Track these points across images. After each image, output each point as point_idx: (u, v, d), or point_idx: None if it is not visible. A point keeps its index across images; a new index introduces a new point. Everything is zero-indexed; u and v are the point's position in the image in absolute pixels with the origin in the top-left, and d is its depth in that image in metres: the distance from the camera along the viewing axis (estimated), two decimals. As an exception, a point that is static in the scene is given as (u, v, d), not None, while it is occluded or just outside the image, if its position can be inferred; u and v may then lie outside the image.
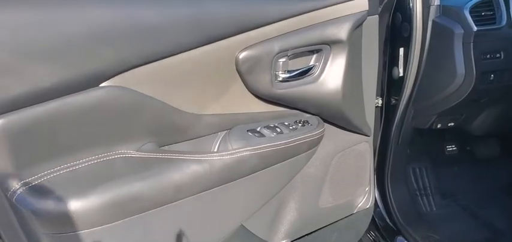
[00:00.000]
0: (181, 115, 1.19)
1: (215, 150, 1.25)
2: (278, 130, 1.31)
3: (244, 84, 1.28)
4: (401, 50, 1.67)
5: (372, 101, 1.62)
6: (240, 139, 1.24)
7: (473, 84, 1.67)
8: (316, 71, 1.39)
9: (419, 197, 2.08)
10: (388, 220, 1.88)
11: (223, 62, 1.21)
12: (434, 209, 2.05)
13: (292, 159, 1.35)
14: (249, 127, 1.31)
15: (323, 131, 1.41)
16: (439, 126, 1.92)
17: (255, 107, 1.33)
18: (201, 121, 1.24)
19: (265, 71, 1.28)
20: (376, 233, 1.86)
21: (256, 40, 1.24)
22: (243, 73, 1.25)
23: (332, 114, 1.46)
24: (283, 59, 1.32)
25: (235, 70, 1.24)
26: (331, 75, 1.38)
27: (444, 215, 2.03)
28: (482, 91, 1.71)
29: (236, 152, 1.22)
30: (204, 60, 1.18)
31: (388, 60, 1.71)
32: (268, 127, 1.32)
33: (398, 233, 1.85)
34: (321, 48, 1.36)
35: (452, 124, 1.95)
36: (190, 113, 1.21)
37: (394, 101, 1.77)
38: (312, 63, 1.39)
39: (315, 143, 1.38)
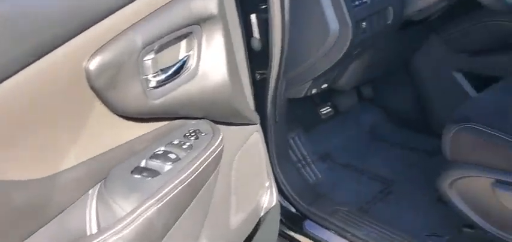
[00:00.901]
0: (17, 191, 0.65)
1: (92, 227, 0.74)
2: (171, 156, 0.86)
3: (107, 106, 0.80)
4: (253, 16, 1.32)
5: (246, 82, 1.26)
6: (127, 192, 0.76)
7: (350, 37, 1.40)
8: (192, 62, 0.99)
9: (303, 169, 1.80)
10: (290, 208, 1.55)
11: (65, 82, 0.72)
12: (319, 176, 1.80)
13: (204, 188, 0.91)
14: (130, 165, 0.82)
15: (222, 136, 0.99)
16: (313, 91, 1.65)
17: (129, 133, 0.86)
18: (55, 186, 0.72)
19: (132, 79, 0.82)
20: (282, 226, 1.52)
21: (108, 36, 0.77)
22: (102, 90, 0.78)
23: (221, 110, 1.07)
24: (151, 56, 0.87)
25: (89, 89, 0.75)
26: (210, 62, 1.01)
27: (333, 179, 1.79)
28: (357, 43, 1.47)
29: (132, 218, 0.73)
30: (33, 88, 0.67)
31: (244, 30, 1.35)
32: (155, 156, 0.86)
33: (304, 218, 1.54)
34: (190, 30, 0.95)
35: (326, 85, 1.69)
36: (33, 180, 0.68)
37: (259, 76, 1.42)
38: (183, 53, 0.97)
39: (220, 155, 0.96)
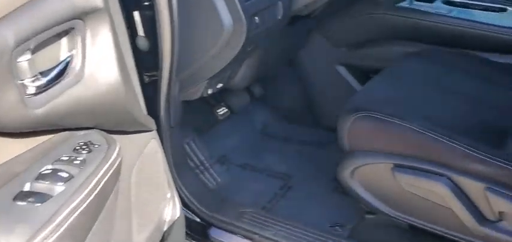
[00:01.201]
0: None
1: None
2: (62, 175, 0.70)
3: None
4: (136, 14, 1.20)
5: (137, 85, 1.13)
6: (12, 224, 0.58)
7: (245, 33, 1.33)
8: (77, 63, 0.84)
9: (202, 175, 1.70)
10: (194, 218, 1.44)
11: None
12: (219, 180, 1.71)
13: (105, 207, 0.75)
14: (11, 191, 0.64)
15: (118, 146, 0.85)
16: (209, 91, 1.55)
17: (6, 151, 0.68)
18: None
19: (5, 85, 0.65)
20: (187, 237, 1.40)
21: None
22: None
23: (113, 117, 0.93)
24: (27, 56, 0.71)
25: None
26: (98, 62, 0.88)
27: (234, 181, 1.71)
28: (251, 39, 1.40)
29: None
30: None
31: (129, 28, 1.21)
32: (42, 177, 0.69)
33: (209, 226, 1.43)
34: (72, 26, 0.80)
35: (221, 85, 1.60)
36: None
37: (148, 78, 1.29)
38: (66, 53, 0.81)
39: (118, 168, 0.82)
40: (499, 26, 1.56)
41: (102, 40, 0.87)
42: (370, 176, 1.30)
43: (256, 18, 1.40)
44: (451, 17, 1.65)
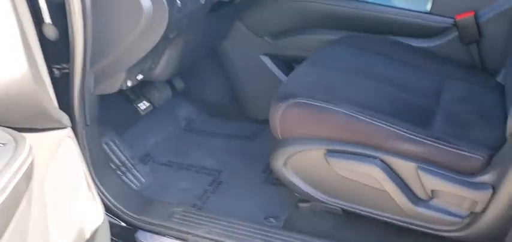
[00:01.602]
0: None
1: None
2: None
3: None
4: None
5: (46, 77, 1.00)
6: None
7: (167, 16, 1.22)
8: None
9: (125, 176, 1.57)
10: (118, 222, 1.31)
11: None
12: (144, 180, 1.59)
13: (16, 216, 0.62)
14: None
15: (29, 144, 0.72)
16: (128, 84, 1.42)
17: None
18: None
19: None
20: (112, 244, 1.27)
21: None
22: None
23: (22, 110, 0.79)
24: None
25: None
26: (0, 51, 0.71)
27: (160, 181, 1.60)
28: (174, 24, 1.30)
29: None
30: None
31: (34, 15, 1.07)
32: None
33: (135, 230, 1.32)
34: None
35: (141, 76, 1.48)
36: None
37: (58, 72, 1.16)
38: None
39: (30, 170, 0.69)
40: (415, 11, 1.59)
41: (5, 27, 0.74)
42: (304, 163, 1.27)
43: (178, 1, 1.30)
44: (369, 3, 1.66)
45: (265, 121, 1.75)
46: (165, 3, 1.23)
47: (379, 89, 1.33)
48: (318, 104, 1.22)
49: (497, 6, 1.45)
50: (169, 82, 1.95)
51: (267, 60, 1.90)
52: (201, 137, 1.93)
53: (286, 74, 1.88)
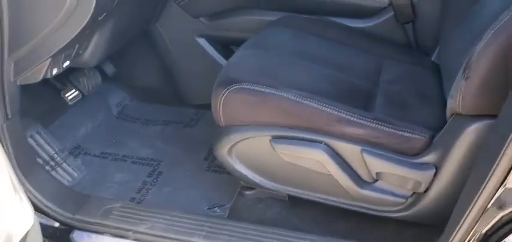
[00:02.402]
0: None
1: None
2: None
3: None
4: None
5: None
6: None
7: (95, -2, 1.12)
8: None
9: (55, 171, 1.45)
10: (51, 223, 1.21)
11: None
12: (76, 175, 1.49)
13: None
14: None
15: None
16: (54, 72, 1.30)
17: None
18: None
19: None
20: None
21: None
22: None
23: None
24: None
25: None
26: None
27: (94, 175, 1.50)
28: (102, 5, 1.19)
29: None
30: None
31: None
32: None
33: (70, 230, 1.23)
34: None
35: (68, 62, 1.36)
36: None
37: None
38: None
39: None
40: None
41: None
42: (249, 151, 1.23)
43: (107, -19, 1.19)
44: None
45: (204, 106, 1.72)
46: (92, -19, 1.12)
47: (321, 72, 1.31)
48: (262, 89, 1.18)
49: (431, -16, 1.48)
50: (98, 67, 1.82)
51: (203, 42, 1.82)
52: (136, 125, 1.83)
53: (224, 56, 1.82)
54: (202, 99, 1.77)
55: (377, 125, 1.12)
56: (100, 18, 1.28)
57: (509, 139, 0.81)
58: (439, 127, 1.11)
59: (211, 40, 1.82)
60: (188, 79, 1.89)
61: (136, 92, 1.95)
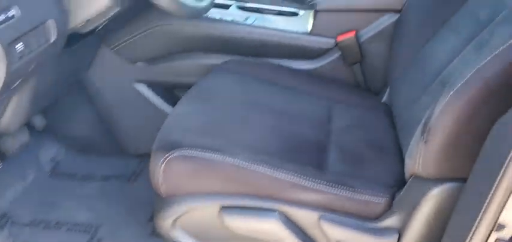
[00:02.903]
0: None
1: None
2: None
3: None
4: None
5: None
6: None
7: (5, 65, 0.93)
8: None
9: None
10: None
11: None
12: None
13: None
14: None
15: None
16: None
17: None
18: None
19: None
20: None
21: None
22: None
23: None
24: None
25: None
26: None
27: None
28: (17, 72, 1.01)
29: None
30: None
31: None
32: None
33: None
34: None
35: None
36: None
37: None
38: None
39: None
40: (295, 33, 1.48)
41: None
42: (196, 222, 1.08)
43: (19, 45, 1.01)
44: (247, 25, 1.52)
45: (148, 155, 1.55)
46: (1, 49, 0.93)
47: (269, 124, 1.19)
48: (206, 155, 1.04)
49: (376, 25, 1.40)
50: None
51: (143, 88, 1.66)
52: (72, 183, 1.63)
53: (167, 101, 1.67)
54: (146, 147, 1.59)
55: (333, 189, 1.01)
56: (15, 86, 1.09)
57: (485, 203, 0.71)
58: (398, 184, 1.02)
59: (151, 85, 1.66)
60: (128, 128, 1.71)
61: (72, 144, 1.75)
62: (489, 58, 0.80)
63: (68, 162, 1.70)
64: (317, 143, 1.17)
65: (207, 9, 1.27)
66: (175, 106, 1.27)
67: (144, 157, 1.67)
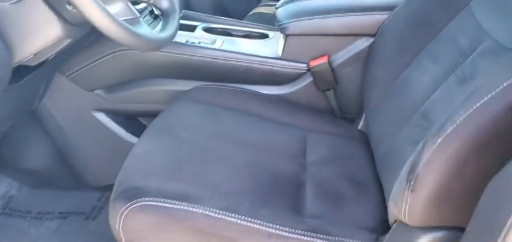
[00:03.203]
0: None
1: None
2: None
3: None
4: None
5: None
6: None
7: None
8: None
9: None
10: None
11: None
12: None
13: None
14: None
15: None
16: None
17: None
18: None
19: None
20: None
21: None
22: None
23: None
24: None
25: None
26: None
27: None
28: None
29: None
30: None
31: None
32: None
33: None
34: None
35: None
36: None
37: None
38: None
39: None
40: (265, 57, 1.38)
41: None
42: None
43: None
44: (215, 49, 1.40)
45: (109, 187, 1.42)
46: None
47: (241, 160, 1.09)
48: (172, 206, 0.92)
49: (350, 49, 1.31)
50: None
51: (102, 117, 1.52)
52: (26, 222, 1.47)
53: (129, 130, 1.54)
54: (107, 179, 1.49)
55: (312, 239, 0.91)
56: None
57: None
58: (381, 228, 0.94)
59: (112, 114, 1.52)
60: (88, 159, 1.57)
61: (26, 178, 1.59)
62: (478, 105, 0.72)
63: (21, 197, 1.55)
64: (292, 180, 1.07)
65: (170, 38, 1.15)
66: (136, 144, 1.14)
67: (106, 189, 1.53)
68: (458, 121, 0.73)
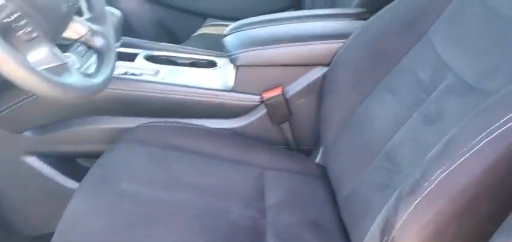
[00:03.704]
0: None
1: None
2: None
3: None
4: None
5: None
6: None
7: None
8: None
9: None
10: None
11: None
12: None
13: None
14: None
15: None
16: None
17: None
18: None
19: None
20: None
21: None
22: None
23: None
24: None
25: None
26: None
27: None
28: None
29: None
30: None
31: None
32: None
33: None
34: None
35: None
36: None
37: None
38: None
39: None
40: (216, 90, 1.25)
41: None
42: None
43: None
44: (159, 82, 1.26)
45: (43, 237, 1.26)
46: None
47: (192, 212, 0.97)
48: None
49: (304, 79, 1.22)
50: None
51: (33, 161, 1.33)
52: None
53: (66, 173, 1.35)
54: (39, 228, 1.33)
55: None
56: None
57: None
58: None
59: (45, 157, 1.33)
60: (18, 207, 1.38)
61: None
62: (455, 166, 0.64)
63: None
64: (252, 230, 0.97)
65: (105, 84, 0.99)
66: (72, 198, 0.98)
67: (42, 239, 1.34)
68: (436, 182, 0.65)
